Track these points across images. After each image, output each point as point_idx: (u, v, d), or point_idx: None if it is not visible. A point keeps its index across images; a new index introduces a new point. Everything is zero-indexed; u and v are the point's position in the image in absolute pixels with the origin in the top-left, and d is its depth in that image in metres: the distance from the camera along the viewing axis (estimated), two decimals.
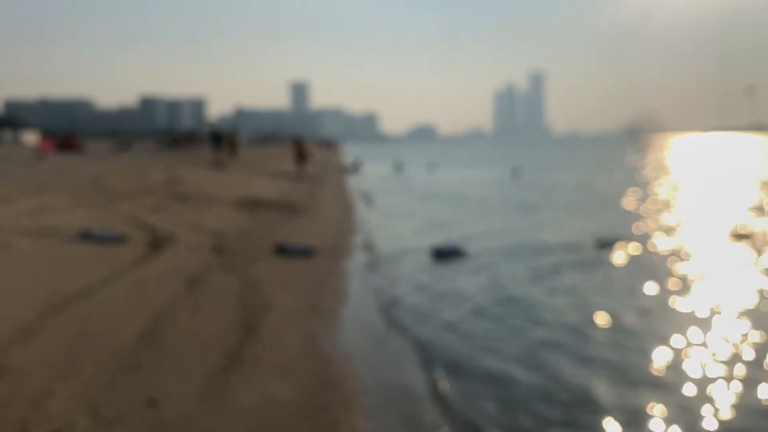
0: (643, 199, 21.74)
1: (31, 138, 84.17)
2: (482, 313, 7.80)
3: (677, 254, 11.33)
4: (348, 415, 4.54)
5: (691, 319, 7.37)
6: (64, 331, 5.56)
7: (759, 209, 18.14)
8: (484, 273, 9.97)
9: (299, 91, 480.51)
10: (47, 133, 74.65)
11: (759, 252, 11.41)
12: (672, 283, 9.10)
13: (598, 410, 5.00)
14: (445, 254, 11.26)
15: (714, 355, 6.14)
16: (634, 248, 11.81)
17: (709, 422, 4.79)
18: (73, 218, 11.18)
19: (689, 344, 6.45)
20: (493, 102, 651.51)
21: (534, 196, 23.86)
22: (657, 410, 4.95)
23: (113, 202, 13.81)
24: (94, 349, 5.22)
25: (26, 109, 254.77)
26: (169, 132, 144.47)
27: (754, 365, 5.88)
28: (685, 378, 5.60)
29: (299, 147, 31.12)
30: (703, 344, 6.45)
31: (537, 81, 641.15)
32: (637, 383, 5.52)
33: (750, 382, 5.47)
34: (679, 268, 10.17)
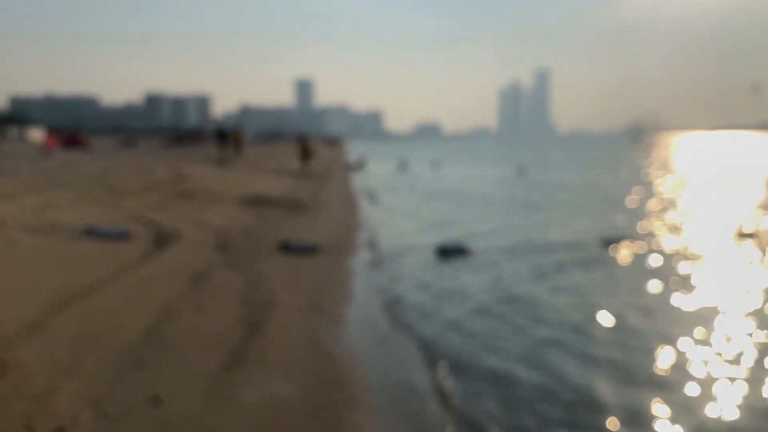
0: (647, 198, 21.68)
1: (36, 135, 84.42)
2: (486, 311, 7.80)
3: (682, 253, 11.31)
4: (352, 413, 4.54)
5: (695, 318, 7.35)
6: (68, 328, 5.58)
7: (765, 208, 18.08)
8: (487, 271, 9.96)
9: (304, 88, 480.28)
10: (53, 130, 74.96)
11: (764, 251, 11.37)
12: (676, 282, 9.07)
13: (601, 410, 4.99)
14: (449, 252, 11.25)
15: (718, 354, 6.12)
16: (638, 247, 11.78)
17: (713, 422, 4.79)
18: (78, 215, 11.21)
19: (693, 344, 6.44)
20: (497, 100, 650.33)
21: (538, 194, 23.82)
22: (660, 410, 4.95)
23: (118, 199, 13.85)
24: (99, 347, 5.24)
25: (32, 105, 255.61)
26: (174, 129, 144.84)
27: (759, 365, 5.86)
28: (689, 378, 5.58)
29: (304, 145, 31.15)
30: (707, 344, 6.43)
31: (542, 79, 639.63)
32: (641, 383, 5.51)
33: (754, 382, 5.46)
34: (683, 267, 10.15)
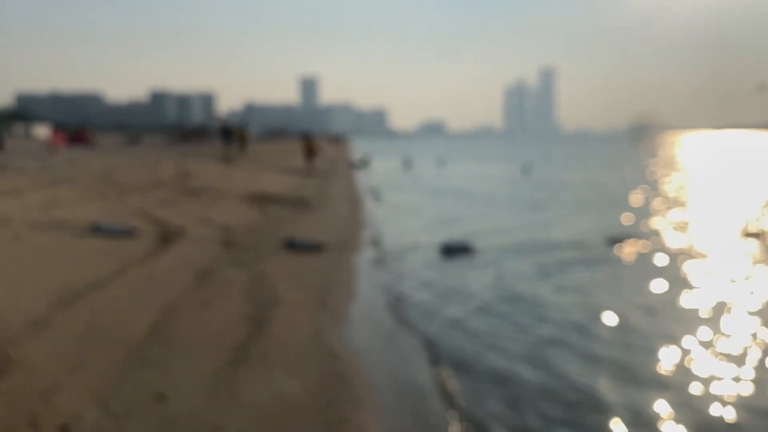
0: (652, 197, 21.63)
1: (42, 132, 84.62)
2: (489, 310, 7.80)
3: (687, 252, 11.28)
4: (356, 411, 4.55)
5: (699, 318, 7.34)
6: (73, 324, 5.60)
7: None
8: (491, 270, 9.96)
9: (308, 86, 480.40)
10: (58, 127, 75.15)
11: None
12: (681, 282, 9.05)
13: (604, 410, 4.99)
14: (454, 250, 11.26)
15: (722, 354, 6.11)
16: (643, 246, 11.76)
17: (717, 422, 4.78)
18: (84, 211, 11.24)
19: (697, 343, 6.42)
20: (503, 98, 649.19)
21: (543, 192, 23.80)
22: (664, 410, 4.94)
23: (123, 196, 13.88)
24: (103, 343, 5.25)
25: (38, 103, 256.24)
26: (179, 126, 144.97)
27: (763, 365, 5.85)
28: (693, 378, 5.58)
29: (308, 142, 31.11)
30: (712, 344, 6.42)
31: (547, 77, 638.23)
32: (644, 383, 5.51)
33: (759, 383, 5.44)
34: (688, 266, 10.12)
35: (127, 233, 9.89)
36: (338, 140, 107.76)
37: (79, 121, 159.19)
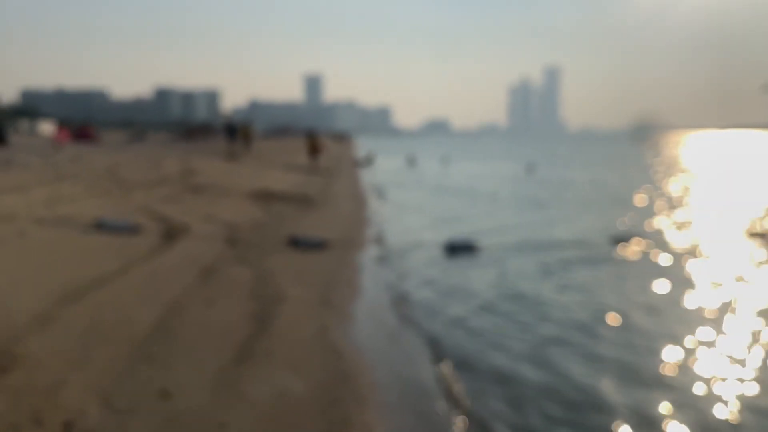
0: (656, 196, 21.58)
1: (47, 128, 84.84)
2: (492, 308, 7.79)
3: (692, 252, 11.25)
4: (360, 409, 4.55)
5: (703, 318, 7.32)
6: (77, 321, 5.61)
7: None
8: (494, 268, 9.95)
9: (313, 84, 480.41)
10: (63, 123, 75.30)
11: None
12: (684, 281, 9.03)
13: (607, 409, 4.98)
14: (457, 248, 11.25)
15: (725, 354, 6.09)
16: (647, 245, 11.73)
17: (720, 422, 4.77)
18: (88, 208, 11.26)
19: (700, 344, 6.41)
20: (507, 97, 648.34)
21: (547, 191, 23.76)
22: (667, 410, 4.93)
23: (128, 193, 13.90)
24: (107, 340, 5.26)
25: (42, 99, 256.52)
26: (183, 123, 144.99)
27: (766, 365, 5.83)
28: (696, 378, 5.56)
29: (312, 140, 31.10)
30: (715, 344, 6.40)
31: (552, 76, 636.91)
32: (647, 383, 5.50)
33: (762, 383, 5.43)
34: (693, 265, 10.10)
35: (131, 230, 9.91)
36: (342, 138, 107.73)
37: (83, 118, 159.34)
